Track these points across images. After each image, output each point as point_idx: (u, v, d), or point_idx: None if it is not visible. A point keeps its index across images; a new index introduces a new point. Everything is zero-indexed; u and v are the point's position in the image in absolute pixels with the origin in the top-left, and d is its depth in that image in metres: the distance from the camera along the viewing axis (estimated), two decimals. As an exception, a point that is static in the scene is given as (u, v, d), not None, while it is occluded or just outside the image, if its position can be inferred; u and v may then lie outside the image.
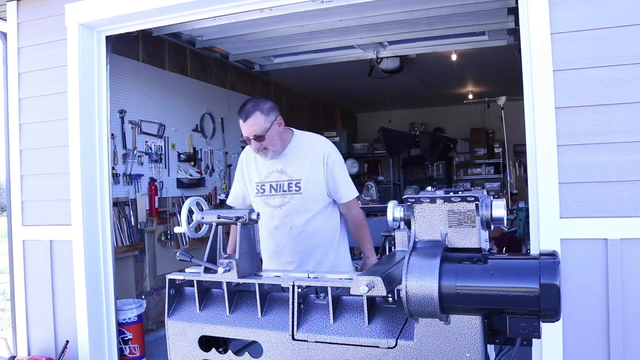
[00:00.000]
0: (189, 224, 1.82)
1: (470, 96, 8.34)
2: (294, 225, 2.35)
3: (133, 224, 4.28)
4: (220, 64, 5.62)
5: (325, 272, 1.74)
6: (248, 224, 1.74)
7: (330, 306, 1.46)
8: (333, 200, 2.42)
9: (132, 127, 4.34)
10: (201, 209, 1.86)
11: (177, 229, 1.90)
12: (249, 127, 2.26)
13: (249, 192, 2.47)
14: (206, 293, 1.71)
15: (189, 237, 2.00)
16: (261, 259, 2.15)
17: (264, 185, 2.39)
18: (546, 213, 2.30)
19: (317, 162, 2.36)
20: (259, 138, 2.27)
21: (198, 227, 1.87)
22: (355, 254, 5.57)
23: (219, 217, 1.71)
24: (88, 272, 3.16)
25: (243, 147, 6.13)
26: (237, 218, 1.72)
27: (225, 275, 1.62)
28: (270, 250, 2.43)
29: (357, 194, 2.47)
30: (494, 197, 1.34)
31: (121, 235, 4.15)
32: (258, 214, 1.78)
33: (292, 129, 2.47)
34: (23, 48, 3.38)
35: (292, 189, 2.34)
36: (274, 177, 2.38)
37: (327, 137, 9.24)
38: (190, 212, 1.83)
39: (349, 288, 1.30)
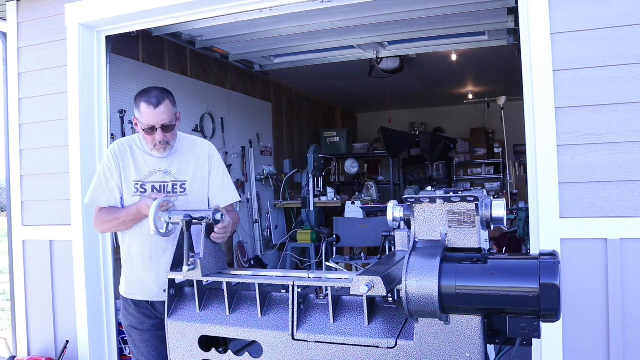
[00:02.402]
0: (156, 225, 1.88)
1: (470, 96, 8.34)
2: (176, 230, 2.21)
3: (133, 224, 4.28)
4: (220, 64, 5.62)
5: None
6: (212, 224, 1.82)
7: (330, 306, 1.46)
8: None
9: (132, 127, 4.34)
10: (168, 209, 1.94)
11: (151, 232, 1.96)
12: (159, 114, 2.08)
13: (124, 190, 2.23)
14: (206, 293, 1.71)
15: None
16: (226, 257, 1.97)
17: (144, 185, 2.20)
18: (546, 213, 2.30)
19: (202, 163, 2.26)
20: (168, 128, 2.12)
21: (167, 227, 1.93)
22: (355, 253, 5.58)
23: (185, 217, 1.75)
24: (88, 272, 3.17)
25: (246, 145, 6.08)
26: (202, 218, 1.80)
27: (190, 273, 1.68)
28: (146, 256, 2.19)
29: (239, 199, 2.33)
30: (494, 197, 1.34)
31: (121, 235, 4.15)
32: (222, 215, 1.84)
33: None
34: (23, 48, 3.39)
35: (177, 190, 2.21)
36: (157, 178, 2.21)
37: (327, 137, 9.13)
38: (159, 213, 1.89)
39: (349, 288, 1.30)
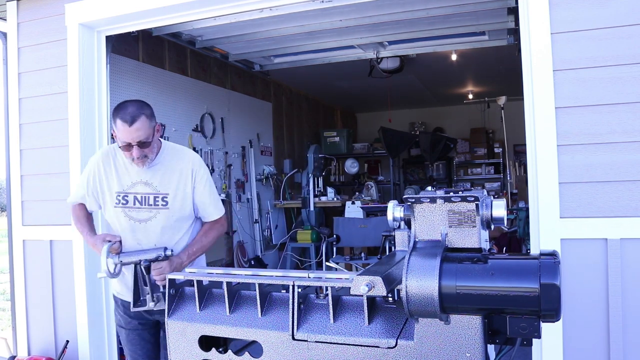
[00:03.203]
0: (108, 267, 2.06)
1: (470, 96, 8.34)
2: (158, 242, 2.21)
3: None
4: (220, 64, 5.62)
5: None
6: (148, 267, 2.07)
7: (330, 306, 1.46)
8: (197, 217, 2.32)
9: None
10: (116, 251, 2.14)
11: (99, 275, 2.10)
12: (134, 132, 2.06)
13: (104, 200, 2.26)
14: (206, 293, 1.71)
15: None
16: (160, 289, 2.09)
17: (126, 196, 2.20)
18: (546, 213, 2.30)
19: (185, 176, 2.23)
20: (144, 145, 2.10)
21: (115, 268, 2.12)
22: (355, 253, 5.58)
23: (144, 263, 2.06)
24: (88, 271, 3.17)
25: (246, 145, 6.08)
26: (157, 257, 2.07)
27: (160, 305, 2.03)
28: None
29: (223, 212, 2.34)
30: (494, 197, 1.34)
31: (121, 235, 4.14)
32: (172, 250, 2.10)
33: (161, 139, 2.30)
34: (23, 48, 3.39)
35: (159, 203, 2.19)
36: (139, 189, 2.21)
37: (327, 137, 9.13)
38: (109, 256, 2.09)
39: (349, 288, 1.30)
